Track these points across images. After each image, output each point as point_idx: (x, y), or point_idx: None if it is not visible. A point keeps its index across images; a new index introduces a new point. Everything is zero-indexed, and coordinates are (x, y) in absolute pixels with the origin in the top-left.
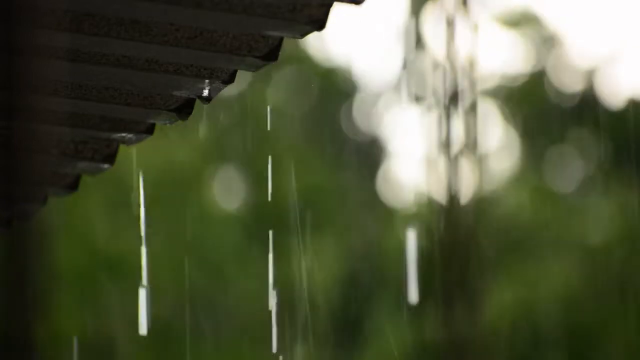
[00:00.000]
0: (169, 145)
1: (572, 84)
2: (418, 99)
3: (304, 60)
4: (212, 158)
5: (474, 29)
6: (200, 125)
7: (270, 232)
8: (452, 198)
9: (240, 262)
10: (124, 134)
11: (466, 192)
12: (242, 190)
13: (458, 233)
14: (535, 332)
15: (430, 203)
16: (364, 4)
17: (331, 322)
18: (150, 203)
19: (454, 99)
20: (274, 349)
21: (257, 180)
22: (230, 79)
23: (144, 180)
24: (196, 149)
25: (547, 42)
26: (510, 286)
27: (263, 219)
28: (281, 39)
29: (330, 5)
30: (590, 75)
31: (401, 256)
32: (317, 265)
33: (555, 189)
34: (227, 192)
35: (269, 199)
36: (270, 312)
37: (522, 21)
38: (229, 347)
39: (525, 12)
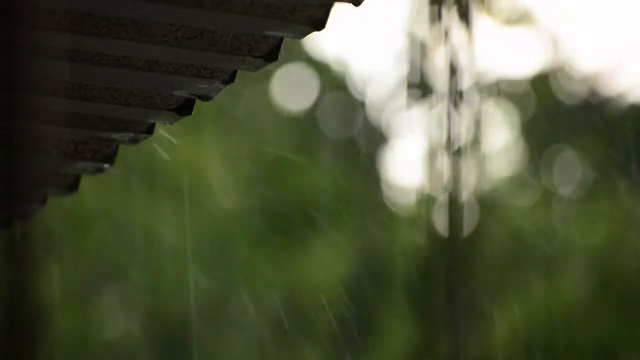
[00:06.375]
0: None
1: (575, 87)
2: (420, 99)
3: (305, 59)
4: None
5: (476, 28)
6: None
7: (273, 233)
8: (453, 199)
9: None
10: (124, 134)
11: (467, 192)
12: (245, 190)
13: (459, 235)
14: (536, 335)
15: (431, 203)
16: (363, 4)
17: (336, 323)
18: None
19: (456, 99)
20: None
21: (258, 181)
22: (230, 79)
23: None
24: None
25: (551, 43)
26: (511, 288)
27: (266, 220)
28: (281, 39)
29: (331, 5)
30: (594, 78)
31: (404, 257)
32: (319, 267)
33: (556, 192)
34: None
35: (271, 200)
36: (277, 313)
37: (526, 22)
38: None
39: (531, 13)
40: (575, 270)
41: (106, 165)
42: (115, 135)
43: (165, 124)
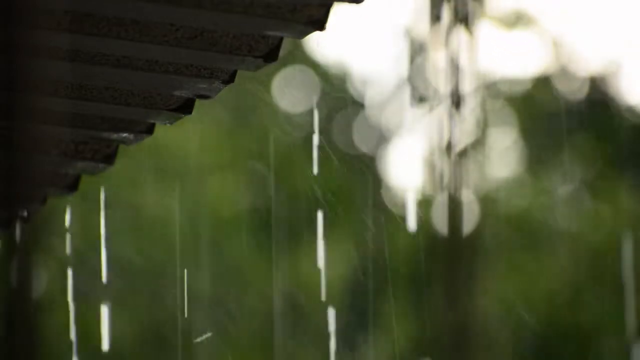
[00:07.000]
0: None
1: (576, 87)
2: (420, 100)
3: (305, 61)
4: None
5: (477, 29)
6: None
7: (273, 236)
8: (454, 199)
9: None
10: (124, 134)
11: (467, 193)
12: (245, 191)
13: (459, 234)
14: (534, 331)
15: (431, 204)
16: (363, 4)
17: (336, 323)
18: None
19: (456, 100)
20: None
21: (259, 182)
22: (230, 79)
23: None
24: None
25: (551, 44)
26: (511, 286)
27: (267, 222)
28: (281, 39)
29: (330, 5)
30: (594, 78)
31: (403, 258)
32: (321, 267)
33: (556, 192)
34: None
35: (272, 201)
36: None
37: (526, 23)
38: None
39: (531, 14)
40: (574, 270)
41: (106, 166)
42: (115, 135)
43: (165, 124)
